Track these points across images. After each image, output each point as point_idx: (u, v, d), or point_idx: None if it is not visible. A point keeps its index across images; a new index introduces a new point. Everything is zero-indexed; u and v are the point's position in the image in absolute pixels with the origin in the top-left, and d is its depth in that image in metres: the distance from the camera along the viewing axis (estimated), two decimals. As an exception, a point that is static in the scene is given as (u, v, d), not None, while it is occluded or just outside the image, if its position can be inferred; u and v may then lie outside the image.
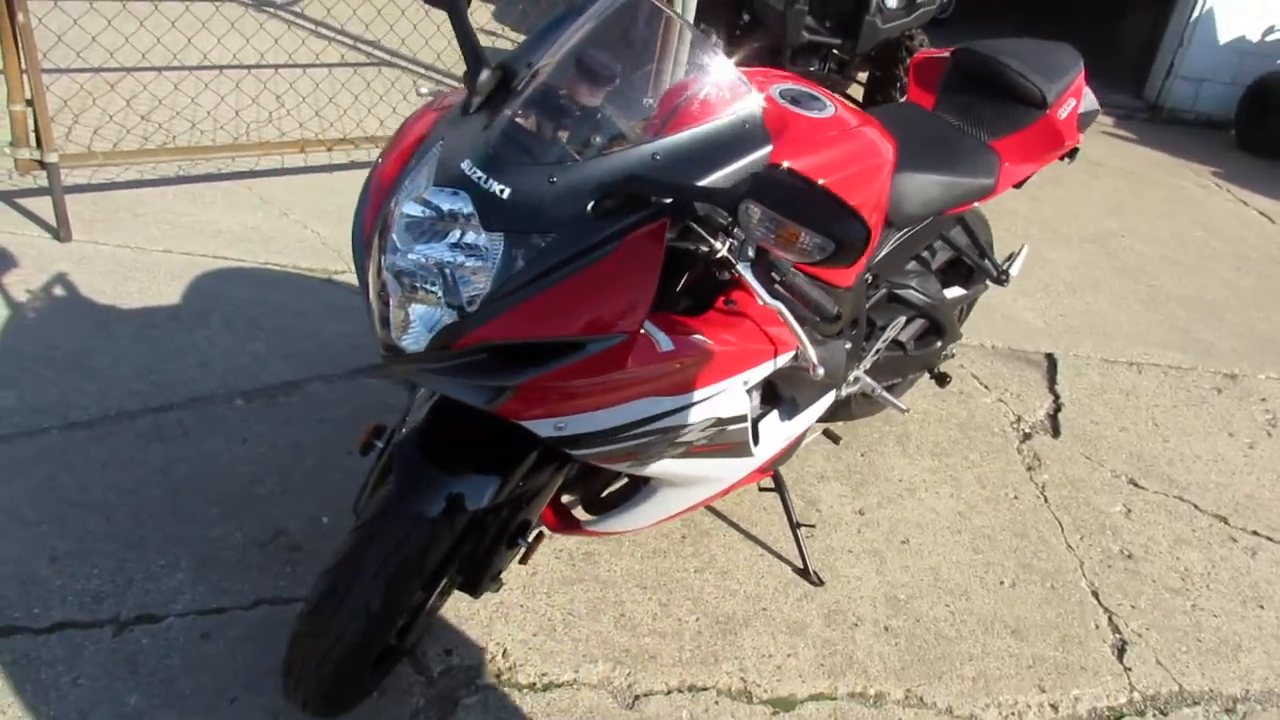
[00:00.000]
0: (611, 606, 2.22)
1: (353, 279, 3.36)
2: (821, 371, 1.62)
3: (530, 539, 1.77)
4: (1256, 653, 2.39)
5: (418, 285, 1.43)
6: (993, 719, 2.10)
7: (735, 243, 1.47)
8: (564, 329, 1.37)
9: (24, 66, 3.03)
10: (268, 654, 1.96)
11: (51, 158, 3.15)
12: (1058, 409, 3.29)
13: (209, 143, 4.04)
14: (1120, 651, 2.33)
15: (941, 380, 2.76)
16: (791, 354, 1.73)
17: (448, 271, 1.40)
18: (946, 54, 2.53)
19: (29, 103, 3.07)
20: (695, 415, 1.60)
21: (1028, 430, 3.14)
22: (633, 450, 1.59)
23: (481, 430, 1.63)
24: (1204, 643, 2.40)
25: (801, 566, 2.39)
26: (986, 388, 3.34)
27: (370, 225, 1.54)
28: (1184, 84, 7.24)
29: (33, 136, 3.15)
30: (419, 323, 1.44)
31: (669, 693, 2.04)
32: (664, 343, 1.48)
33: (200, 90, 4.37)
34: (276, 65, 4.67)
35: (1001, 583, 2.49)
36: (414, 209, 1.45)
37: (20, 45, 2.97)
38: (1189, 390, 3.55)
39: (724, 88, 1.52)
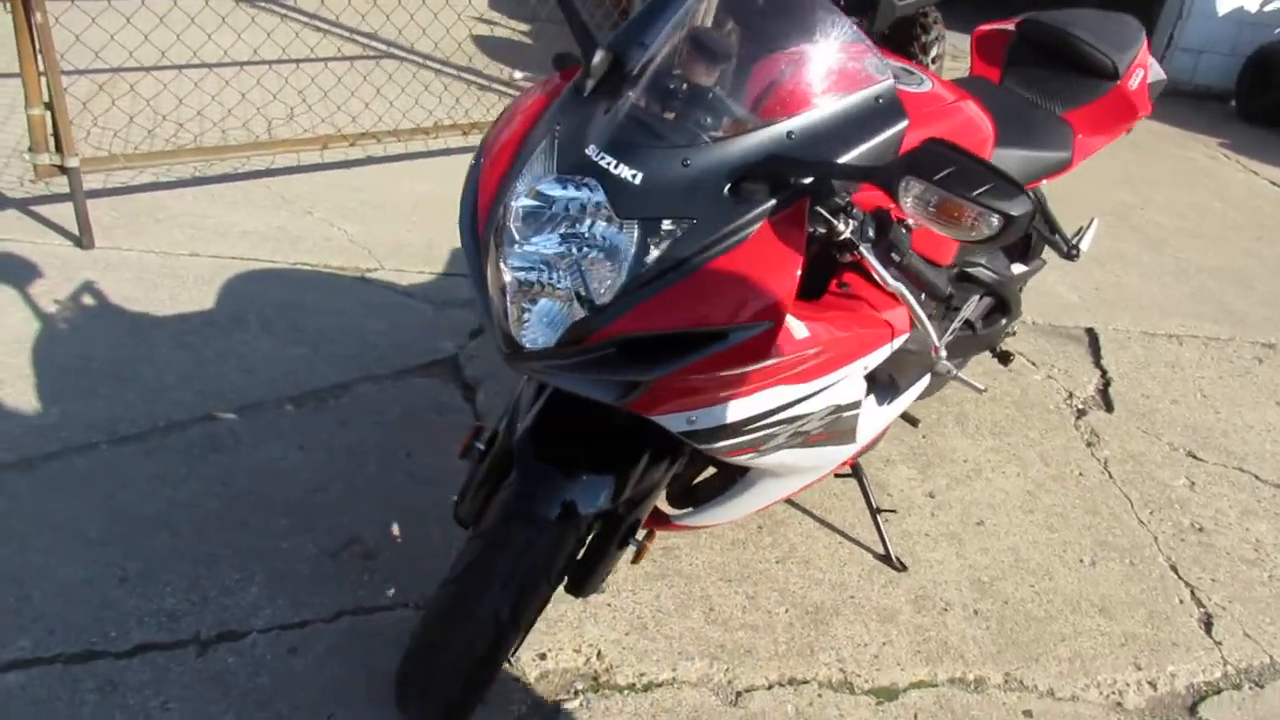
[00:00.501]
0: (699, 601, 2.18)
1: (387, 276, 3.29)
2: (945, 354, 1.58)
3: (641, 538, 1.72)
4: (1340, 621, 2.39)
5: (543, 280, 1.37)
6: (1094, 699, 2.08)
7: (856, 223, 1.42)
8: (707, 319, 1.32)
9: (42, 69, 2.93)
10: (356, 668, 1.91)
11: (73, 162, 3.05)
12: (1107, 384, 3.28)
13: (229, 141, 3.94)
14: (1208, 626, 2.32)
15: (1005, 359, 2.73)
16: (905, 336, 1.68)
17: (578, 264, 1.35)
18: (1011, 26, 2.50)
19: (48, 105, 2.98)
20: (819, 404, 1.56)
21: (1081, 406, 3.13)
22: (758, 442, 1.54)
23: (595, 428, 1.58)
24: (1288, 613, 2.39)
25: (884, 552, 2.36)
26: (1034, 364, 3.32)
27: (484, 218, 1.47)
28: (1184, 55, 7.25)
29: (51, 141, 3.05)
30: (545, 319, 1.38)
31: (770, 687, 2.00)
32: (799, 330, 1.43)
33: (221, 88, 4.26)
34: (297, 60, 4.57)
35: (1081, 561, 2.46)
36: (535, 199, 1.39)
37: (38, 46, 2.87)
38: (1231, 361, 3.55)
39: (856, 63, 1.47)
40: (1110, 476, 2.80)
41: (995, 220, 1.19)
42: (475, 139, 4.31)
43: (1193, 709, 2.09)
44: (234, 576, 2.08)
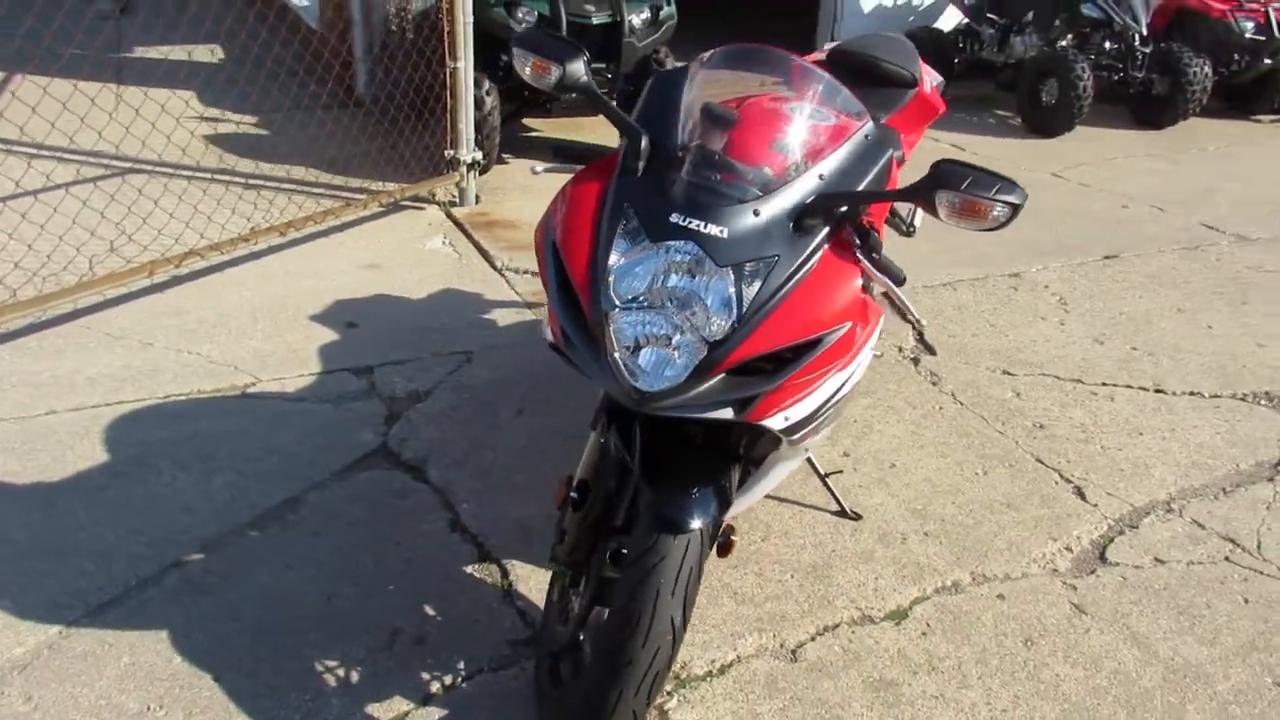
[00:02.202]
0: (722, 590, 2.49)
1: (268, 388, 3.29)
2: (925, 323, 2.03)
3: (730, 536, 2.00)
4: (1158, 466, 3.13)
5: (653, 334, 1.65)
6: (1038, 572, 2.63)
7: (857, 238, 1.83)
8: (808, 330, 1.67)
9: None
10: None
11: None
12: (921, 333, 3.94)
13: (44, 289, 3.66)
14: (1081, 495, 2.97)
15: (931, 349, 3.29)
16: (883, 316, 2.11)
17: (696, 311, 1.64)
18: (822, 56, 3.03)
19: None
20: (853, 382, 1.95)
21: (913, 356, 3.76)
22: (822, 424, 1.90)
23: (684, 452, 1.86)
24: (1125, 470, 3.10)
25: (838, 508, 2.79)
26: (863, 331, 3.93)
27: (587, 297, 1.70)
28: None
29: None
30: (658, 366, 1.66)
31: (814, 638, 2.36)
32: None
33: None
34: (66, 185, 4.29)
35: (977, 474, 3.04)
36: (642, 265, 1.67)
37: None
38: (994, 293, 4.38)
39: (846, 112, 1.88)
40: (961, 404, 3.44)
41: (1008, 210, 1.64)
42: (294, 236, 4.32)
43: (1102, 556, 2.70)
44: (305, 698, 2.12)
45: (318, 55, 5.32)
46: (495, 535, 2.65)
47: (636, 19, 5.32)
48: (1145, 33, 7.22)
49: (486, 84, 5.02)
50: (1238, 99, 8.00)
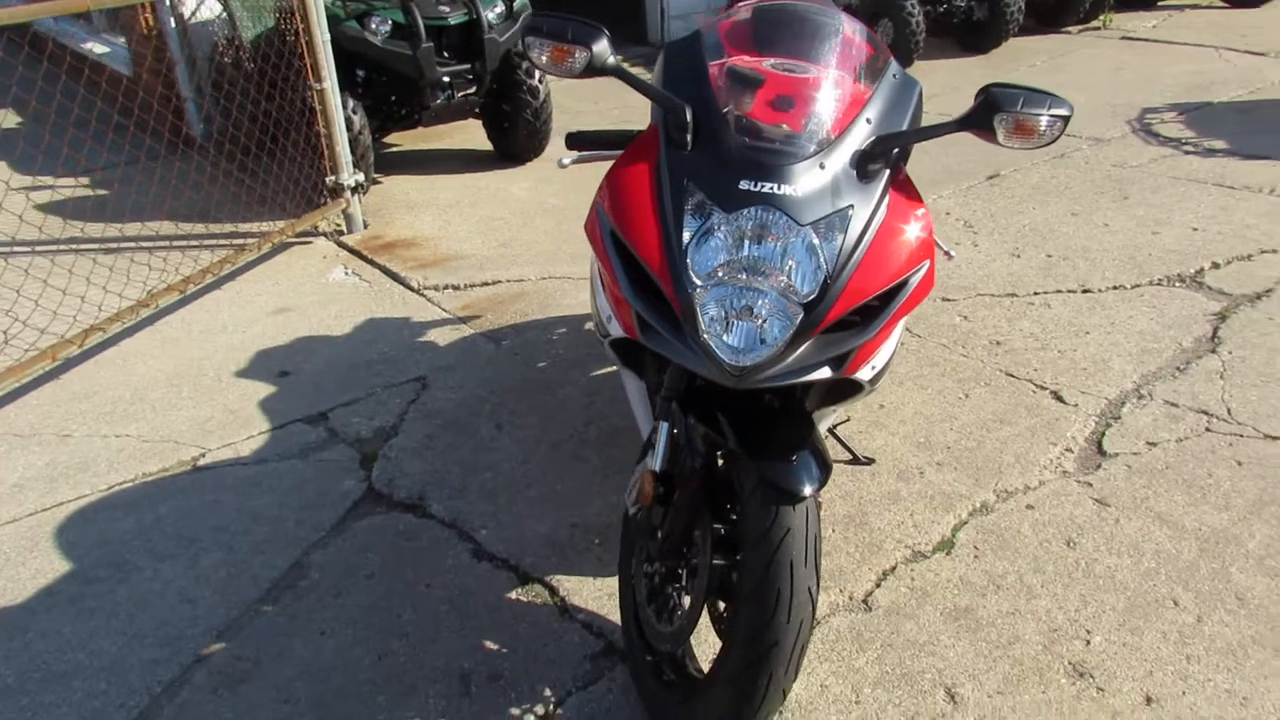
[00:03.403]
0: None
1: (221, 455, 3.06)
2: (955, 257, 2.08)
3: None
4: (1113, 359, 3.33)
5: (750, 304, 1.63)
6: (1052, 476, 2.75)
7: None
8: (898, 273, 1.68)
9: None
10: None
11: None
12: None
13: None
14: (1060, 398, 3.13)
15: None
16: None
17: (784, 275, 1.62)
18: (748, 15, 3.04)
19: None
20: (902, 327, 1.97)
21: (855, 299, 3.86)
22: (886, 371, 1.92)
23: (768, 421, 1.83)
24: (1088, 369, 3.28)
25: (851, 456, 2.84)
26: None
27: (668, 279, 1.65)
28: (677, 23, 8.58)
29: None
30: (749, 338, 1.63)
31: (878, 584, 2.40)
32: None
33: None
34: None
35: (960, 398, 3.16)
36: (718, 238, 1.63)
37: None
38: (904, 228, 4.54)
39: (872, 54, 1.89)
40: (919, 336, 3.55)
41: (1061, 124, 1.69)
42: (192, 290, 4.03)
43: (1101, 450, 2.86)
44: (400, 763, 2.00)
45: (139, 101, 4.94)
46: (527, 554, 2.56)
47: (492, 14, 5.20)
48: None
49: (351, 102, 4.81)
50: (1046, 15, 8.57)
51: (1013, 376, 3.26)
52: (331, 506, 2.80)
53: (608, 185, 1.83)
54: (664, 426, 1.91)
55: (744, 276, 1.64)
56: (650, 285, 1.72)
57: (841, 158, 1.72)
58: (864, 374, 1.78)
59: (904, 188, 1.78)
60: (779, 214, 1.64)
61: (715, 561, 1.82)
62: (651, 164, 1.79)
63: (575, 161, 2.06)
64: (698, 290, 1.64)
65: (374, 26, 4.93)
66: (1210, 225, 4.35)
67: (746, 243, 1.65)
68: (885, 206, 1.72)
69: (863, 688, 2.11)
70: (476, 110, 5.63)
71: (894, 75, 1.91)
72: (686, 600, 1.91)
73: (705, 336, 1.64)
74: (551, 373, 3.45)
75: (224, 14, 5.38)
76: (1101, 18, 8.79)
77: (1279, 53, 7.40)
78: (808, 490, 1.70)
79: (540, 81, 5.49)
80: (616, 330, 1.91)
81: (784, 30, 2.03)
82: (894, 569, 2.44)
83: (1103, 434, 2.94)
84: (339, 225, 4.86)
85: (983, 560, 2.46)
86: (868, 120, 1.79)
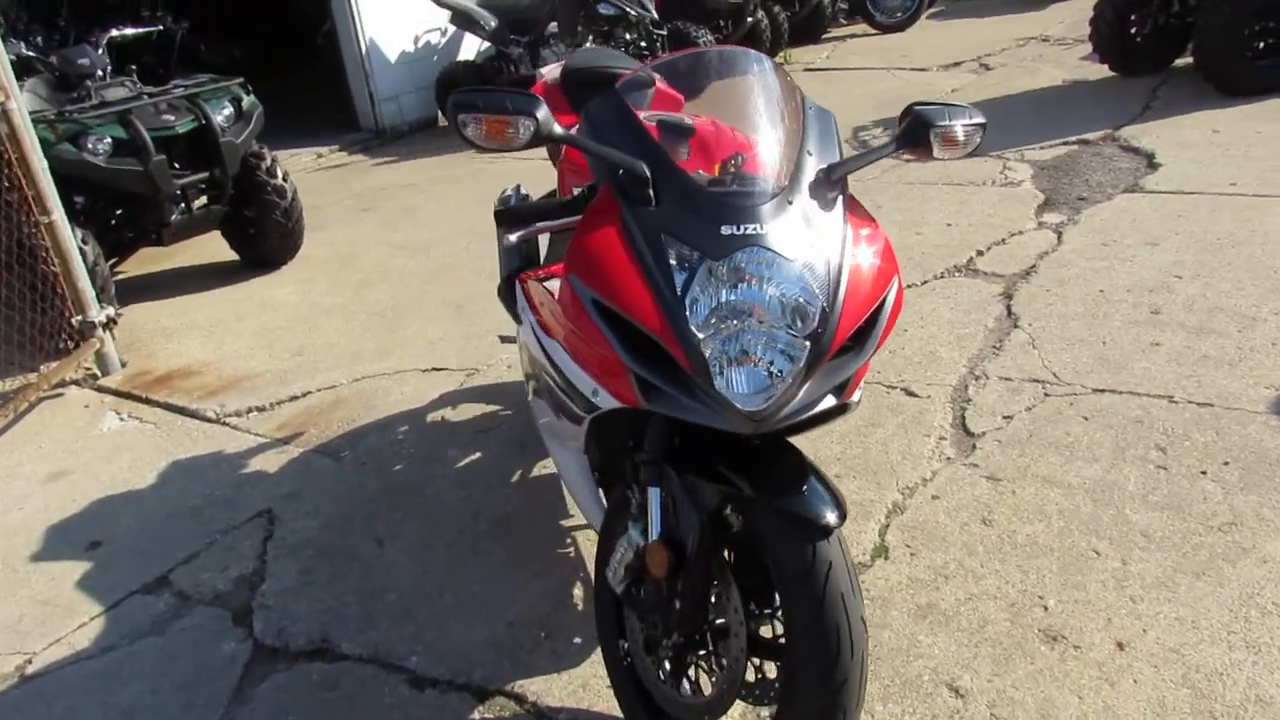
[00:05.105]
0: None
1: (55, 653, 2.59)
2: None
3: None
4: (939, 349, 3.62)
5: (759, 348, 1.61)
6: (940, 464, 2.93)
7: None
8: (879, 289, 1.72)
9: None
10: None
11: None
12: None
13: None
14: (911, 394, 3.35)
15: None
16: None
17: (784, 312, 1.62)
18: (556, 77, 3.04)
19: None
20: None
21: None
22: None
23: (760, 460, 1.81)
24: (922, 363, 3.54)
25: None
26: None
27: (669, 334, 1.59)
28: (389, 104, 8.45)
29: None
30: (753, 384, 1.61)
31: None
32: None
33: None
34: None
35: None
36: (710, 287, 1.61)
37: None
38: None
39: (790, 89, 1.94)
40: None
41: (980, 131, 1.83)
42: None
43: (968, 431, 3.08)
44: None
45: None
46: (475, 668, 2.36)
47: (220, 117, 4.86)
48: (656, 16, 8.10)
49: (79, 232, 4.30)
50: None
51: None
52: (218, 678, 2.44)
53: (579, 254, 1.75)
54: (655, 492, 1.84)
55: (743, 320, 1.63)
56: (643, 349, 1.66)
57: (802, 190, 1.76)
58: (856, 395, 1.81)
59: (856, 209, 1.85)
60: (768, 253, 1.64)
61: (750, 613, 1.77)
62: (617, 225, 1.73)
63: (520, 238, 1.97)
64: (702, 341, 1.60)
65: (92, 146, 4.46)
66: (959, 219, 4.86)
67: (740, 286, 1.64)
68: (849, 229, 1.78)
69: (874, 706, 2.12)
70: (217, 221, 5.22)
71: (810, 107, 1.98)
72: (720, 663, 1.84)
73: (716, 389, 1.60)
74: (411, 474, 3.23)
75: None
76: (781, 54, 9.66)
77: (940, 66, 8.48)
78: (835, 519, 1.69)
79: (285, 180, 5.20)
80: (609, 402, 1.83)
81: (704, 78, 2.06)
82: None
83: (963, 417, 3.17)
84: (89, 369, 4.30)
85: (920, 557, 2.56)
86: (809, 152, 1.83)
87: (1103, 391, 3.21)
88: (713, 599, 1.83)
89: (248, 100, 5.07)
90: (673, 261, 1.65)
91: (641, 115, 1.90)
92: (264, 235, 5.25)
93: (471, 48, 8.95)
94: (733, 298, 1.63)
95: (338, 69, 8.54)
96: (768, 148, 1.86)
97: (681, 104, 2.15)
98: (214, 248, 5.62)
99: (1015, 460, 2.91)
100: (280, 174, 5.19)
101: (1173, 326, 3.56)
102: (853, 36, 10.46)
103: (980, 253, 4.44)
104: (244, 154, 4.97)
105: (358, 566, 2.79)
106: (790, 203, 1.72)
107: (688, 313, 1.61)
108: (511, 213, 2.00)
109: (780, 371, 1.62)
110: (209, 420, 3.78)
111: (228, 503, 3.20)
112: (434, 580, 2.69)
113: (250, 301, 5.00)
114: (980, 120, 1.87)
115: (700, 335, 1.61)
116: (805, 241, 1.69)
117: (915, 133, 1.84)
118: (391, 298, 4.83)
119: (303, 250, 5.49)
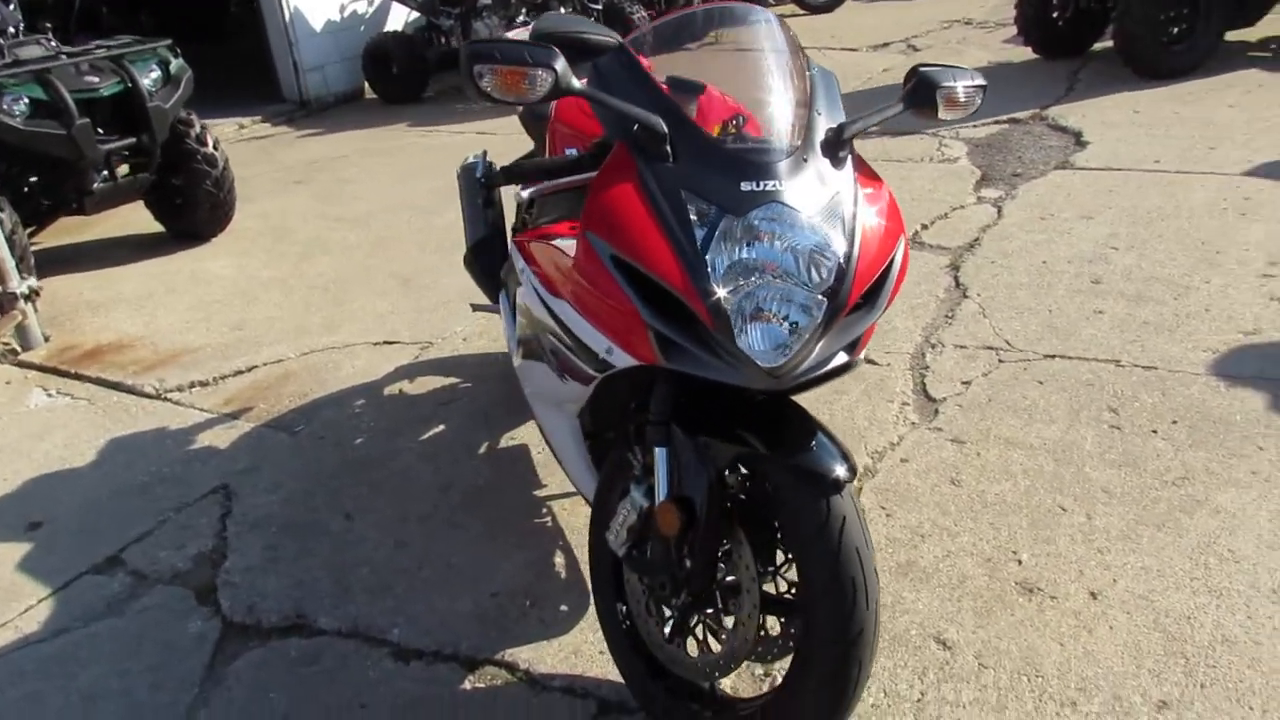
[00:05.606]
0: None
1: (3, 637, 2.47)
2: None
3: None
4: (895, 319, 3.69)
5: (779, 303, 1.61)
6: (906, 429, 3.00)
7: None
8: (889, 245, 1.74)
9: None
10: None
11: None
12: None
13: None
14: (872, 362, 3.40)
15: None
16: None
17: (803, 267, 1.62)
18: (525, 34, 2.98)
19: None
20: None
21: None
22: None
23: (764, 417, 1.82)
24: (880, 333, 3.57)
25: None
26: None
27: (692, 290, 1.59)
28: (314, 75, 8.20)
29: None
30: (772, 341, 1.62)
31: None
32: None
33: None
34: None
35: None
36: (730, 243, 1.61)
37: None
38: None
39: (796, 47, 1.94)
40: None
41: (981, 93, 1.87)
42: None
43: (928, 396, 3.16)
44: None
45: None
46: (461, 639, 2.33)
47: (148, 80, 4.66)
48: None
49: (-7, 197, 4.09)
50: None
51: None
52: (187, 657, 2.36)
53: (596, 210, 1.73)
54: (663, 452, 1.83)
55: (763, 276, 1.63)
56: (661, 306, 1.65)
57: (814, 149, 1.76)
58: (865, 352, 1.83)
59: (863, 169, 1.86)
60: (788, 209, 1.65)
61: (760, 571, 1.79)
62: (634, 181, 1.72)
63: (533, 194, 1.93)
64: (723, 297, 1.60)
65: (7, 106, 4.23)
66: (901, 194, 4.95)
67: (760, 242, 1.64)
68: (860, 187, 1.79)
69: (865, 662, 2.16)
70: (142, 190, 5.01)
71: (814, 66, 1.99)
72: (728, 621, 1.85)
73: (738, 344, 1.60)
74: (374, 448, 3.16)
75: None
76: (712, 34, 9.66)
77: (869, 46, 8.62)
78: (846, 473, 1.71)
79: (215, 149, 5.02)
80: (624, 360, 1.81)
81: (708, 34, 2.04)
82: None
83: (924, 383, 3.24)
84: (8, 344, 4.10)
85: (895, 517, 2.62)
86: (818, 112, 1.84)
87: (1053, 357, 3.32)
88: (722, 556, 1.84)
89: (176, 63, 4.87)
90: (693, 217, 1.64)
91: (662, 69, 1.87)
92: (193, 206, 5.06)
93: (399, 18, 8.75)
94: (752, 254, 1.64)
95: (259, 37, 8.25)
96: (780, 107, 1.86)
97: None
98: (135, 218, 5.40)
99: (977, 424, 2.99)
100: (210, 142, 5.00)
101: (1113, 295, 3.70)
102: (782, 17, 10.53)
103: (925, 226, 4.53)
104: (172, 120, 4.77)
105: (327, 541, 2.72)
106: (805, 160, 1.73)
107: (710, 267, 1.61)
108: (515, 169, 1.96)
109: (798, 326, 1.63)
110: (148, 396, 3.63)
111: (178, 479, 3.08)
112: (410, 554, 2.64)
113: (181, 275, 4.81)
114: (982, 82, 1.90)
115: (722, 291, 1.60)
116: (821, 199, 1.70)
117: (921, 93, 1.86)
118: (334, 271, 4.71)
119: (234, 223, 5.31)
